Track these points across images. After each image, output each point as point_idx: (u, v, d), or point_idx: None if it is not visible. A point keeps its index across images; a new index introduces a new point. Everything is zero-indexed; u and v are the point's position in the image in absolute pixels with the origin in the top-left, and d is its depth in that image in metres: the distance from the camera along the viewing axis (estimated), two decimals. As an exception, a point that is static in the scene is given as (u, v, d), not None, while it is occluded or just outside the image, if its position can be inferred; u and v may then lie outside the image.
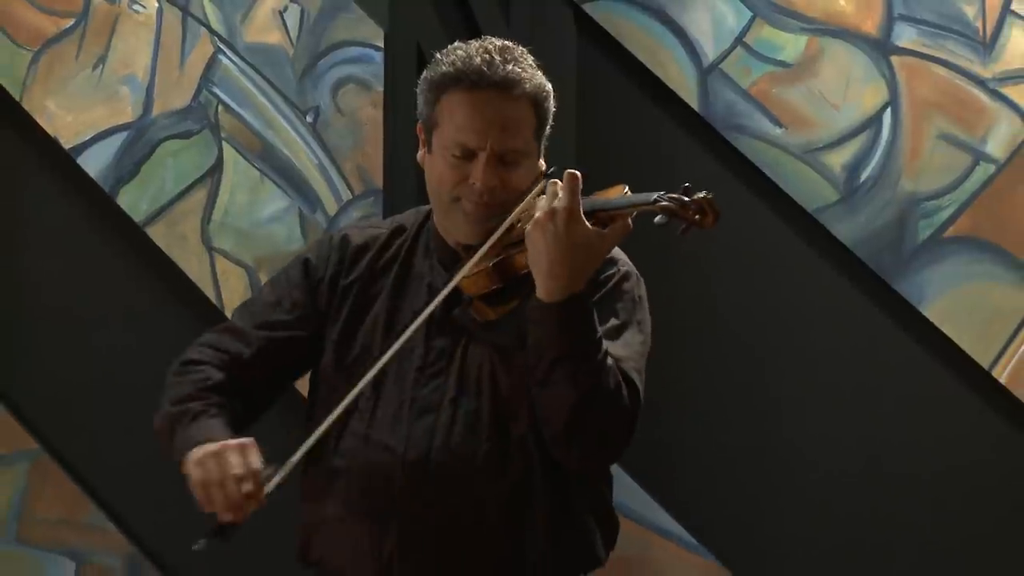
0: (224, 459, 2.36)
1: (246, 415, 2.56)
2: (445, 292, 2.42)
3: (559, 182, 2.34)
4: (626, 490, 3.95)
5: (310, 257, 2.59)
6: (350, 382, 2.47)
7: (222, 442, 2.39)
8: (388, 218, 2.70)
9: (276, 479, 2.36)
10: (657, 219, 2.31)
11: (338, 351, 2.53)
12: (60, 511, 4.23)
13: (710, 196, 2.29)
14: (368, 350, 2.50)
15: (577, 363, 2.33)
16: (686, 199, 2.30)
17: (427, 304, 2.48)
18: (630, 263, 2.54)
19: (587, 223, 2.32)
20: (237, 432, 2.51)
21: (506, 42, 2.49)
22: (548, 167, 2.50)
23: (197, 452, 2.40)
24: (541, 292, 2.33)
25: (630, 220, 2.36)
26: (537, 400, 2.39)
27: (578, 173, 2.34)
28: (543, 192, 2.41)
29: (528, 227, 2.34)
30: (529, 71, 2.46)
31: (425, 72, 2.50)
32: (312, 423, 2.51)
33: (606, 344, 2.39)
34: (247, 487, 2.33)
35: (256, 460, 2.36)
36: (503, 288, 2.39)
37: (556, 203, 2.31)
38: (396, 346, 2.40)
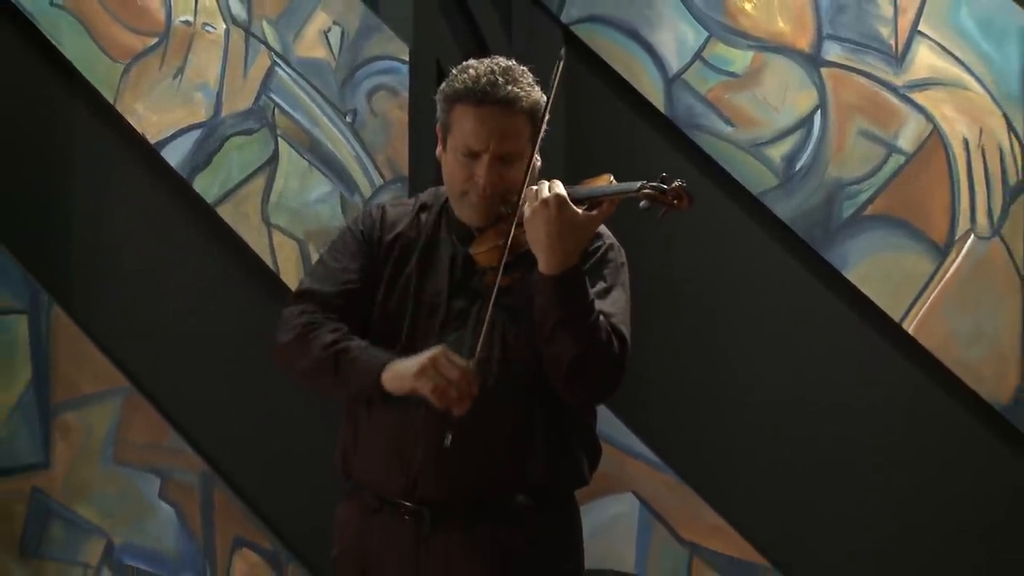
0: (441, 368, 2.45)
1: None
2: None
3: (556, 181, 2.49)
4: (606, 420, 4.04)
5: (358, 229, 2.71)
6: (391, 333, 2.63)
7: (428, 355, 2.47)
8: (412, 196, 2.81)
9: (473, 364, 2.48)
10: (642, 204, 2.44)
11: (381, 307, 2.67)
12: (147, 437, 4.36)
13: (684, 184, 2.43)
14: (403, 307, 2.65)
15: (575, 324, 2.48)
16: (664, 187, 2.43)
17: (451, 272, 2.63)
18: (612, 236, 2.71)
19: (576, 208, 2.44)
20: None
21: (511, 64, 2.61)
22: (541, 160, 2.64)
23: (404, 369, 2.48)
24: (542, 266, 2.47)
25: (615, 204, 2.49)
26: (544, 354, 2.53)
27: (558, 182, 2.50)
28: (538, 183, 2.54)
29: (527, 213, 2.48)
30: (527, 89, 2.58)
31: (443, 85, 2.64)
32: None
33: (598, 304, 2.53)
34: (469, 388, 2.46)
35: (459, 359, 2.48)
36: (510, 261, 2.54)
37: (547, 194, 2.47)
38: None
